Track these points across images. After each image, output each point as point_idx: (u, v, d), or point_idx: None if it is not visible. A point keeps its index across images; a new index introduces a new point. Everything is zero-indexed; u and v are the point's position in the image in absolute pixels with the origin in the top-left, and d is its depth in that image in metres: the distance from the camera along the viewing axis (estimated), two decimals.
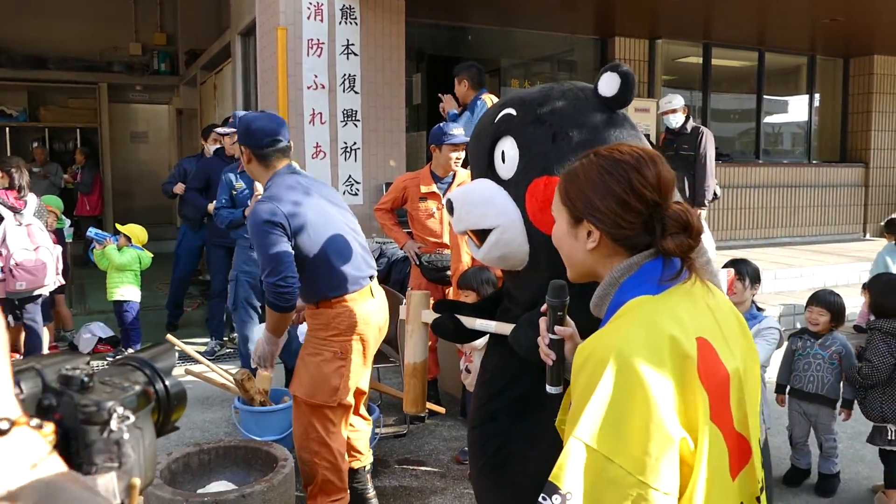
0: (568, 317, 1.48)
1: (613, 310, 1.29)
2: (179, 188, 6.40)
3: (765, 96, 10.56)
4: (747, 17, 8.77)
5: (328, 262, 2.88)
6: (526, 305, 2.06)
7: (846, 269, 7.73)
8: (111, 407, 0.68)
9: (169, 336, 4.05)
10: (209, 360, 5.12)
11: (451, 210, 2.12)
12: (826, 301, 3.66)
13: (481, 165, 2.13)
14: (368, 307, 3.00)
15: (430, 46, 8.98)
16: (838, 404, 3.64)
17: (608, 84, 2.02)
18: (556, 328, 1.45)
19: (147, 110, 13.07)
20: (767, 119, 10.94)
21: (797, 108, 11.29)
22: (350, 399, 3.05)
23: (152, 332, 5.90)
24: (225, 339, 6.05)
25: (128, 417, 0.69)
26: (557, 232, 1.40)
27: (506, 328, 2.08)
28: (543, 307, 1.48)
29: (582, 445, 1.12)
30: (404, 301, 2.54)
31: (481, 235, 2.08)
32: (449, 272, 4.34)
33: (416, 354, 2.40)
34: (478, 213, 2.06)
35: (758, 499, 1.30)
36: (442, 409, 4.39)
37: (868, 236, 10.95)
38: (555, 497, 1.12)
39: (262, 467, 2.85)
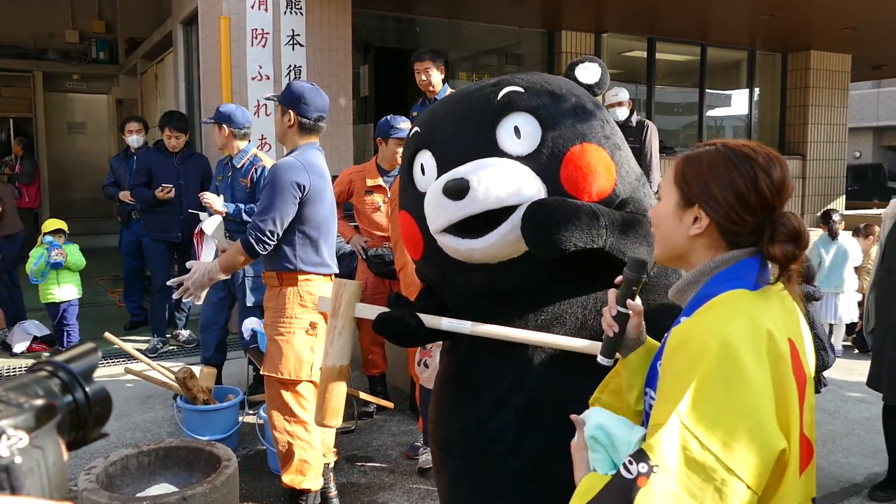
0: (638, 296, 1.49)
1: (700, 300, 1.29)
2: (125, 196, 6.15)
3: (707, 90, 10.76)
4: (690, 12, 8.91)
5: (313, 239, 3.10)
6: (515, 295, 1.99)
7: None
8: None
9: (107, 334, 3.94)
10: (151, 357, 5.01)
11: (461, 192, 1.88)
12: None
13: (476, 147, 1.99)
14: (330, 289, 3.06)
15: (377, 38, 8.90)
16: None
17: (588, 72, 2.18)
18: (628, 302, 1.45)
19: (85, 100, 12.66)
20: (710, 112, 11.15)
21: (738, 102, 11.54)
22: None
23: (93, 329, 5.73)
24: (168, 335, 5.92)
25: (20, 439, 0.62)
26: (660, 211, 1.39)
27: (488, 329, 1.97)
28: (618, 279, 1.47)
29: (681, 425, 1.13)
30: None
31: (475, 225, 1.93)
32: (395, 266, 4.31)
33: (343, 355, 2.16)
34: (506, 189, 1.90)
35: (813, 499, 1.35)
36: (390, 405, 4.37)
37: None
38: (642, 465, 1.13)
39: (205, 468, 2.79)
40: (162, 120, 5.75)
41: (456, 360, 2.18)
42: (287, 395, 3.10)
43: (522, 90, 2.02)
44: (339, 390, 2.16)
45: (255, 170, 4.54)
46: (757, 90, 11.36)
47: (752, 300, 1.24)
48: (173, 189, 5.53)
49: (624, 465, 1.16)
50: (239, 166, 4.59)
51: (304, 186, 3.00)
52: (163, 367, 4.07)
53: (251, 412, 4.16)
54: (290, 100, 3.14)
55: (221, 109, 4.56)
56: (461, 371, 2.15)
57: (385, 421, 4.40)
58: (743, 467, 1.11)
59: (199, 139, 7.41)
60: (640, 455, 1.14)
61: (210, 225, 4.15)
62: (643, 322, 1.48)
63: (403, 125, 4.29)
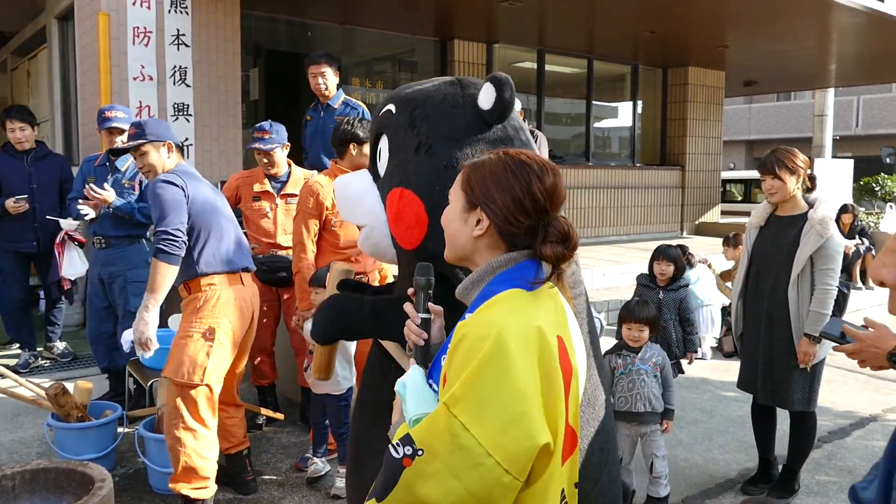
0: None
1: (482, 297, 1.37)
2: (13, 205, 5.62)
3: (594, 102, 11.16)
4: (577, 26, 9.23)
5: (207, 239, 3.13)
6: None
7: None
8: None
9: None
10: (22, 373, 4.71)
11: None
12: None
13: (372, 155, 2.14)
14: (237, 291, 3.21)
15: (268, 41, 8.72)
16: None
17: (486, 96, 1.87)
18: (429, 305, 1.49)
19: None
20: (596, 123, 11.57)
21: (623, 114, 12.03)
22: (219, 384, 3.19)
23: None
24: (39, 349, 5.55)
25: None
26: (449, 213, 1.48)
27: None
28: (410, 290, 1.52)
29: (446, 410, 1.21)
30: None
31: None
32: (283, 273, 4.21)
33: None
34: (348, 207, 2.10)
35: (576, 485, 1.43)
36: (280, 416, 4.27)
37: (684, 234, 11.85)
38: (407, 448, 1.22)
39: (77, 490, 2.62)
40: (1, 116, 5.18)
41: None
42: (179, 400, 3.10)
43: (393, 110, 2.01)
44: (323, 351, 2.33)
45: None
46: (640, 103, 11.87)
47: (526, 299, 1.34)
48: (26, 203, 4.98)
49: (392, 446, 1.26)
50: (123, 169, 4.50)
51: (180, 186, 3.09)
52: (32, 383, 3.81)
53: (131, 428, 3.97)
54: (160, 133, 3.26)
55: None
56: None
57: (275, 433, 4.29)
58: (504, 455, 1.19)
59: (76, 143, 7.03)
60: (406, 439, 1.23)
61: (70, 225, 4.00)
62: (443, 322, 1.54)
63: (260, 134, 4.24)
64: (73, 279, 4.82)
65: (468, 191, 1.43)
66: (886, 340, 1.85)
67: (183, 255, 3.04)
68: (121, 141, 4.45)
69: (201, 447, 3.12)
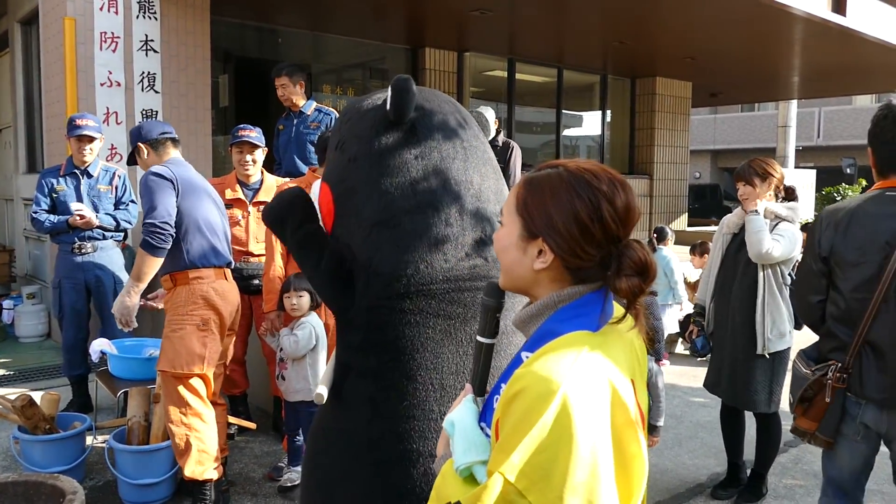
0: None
1: (543, 335, 1.20)
2: None
3: (563, 111, 11.26)
4: (547, 36, 9.31)
5: (196, 232, 3.21)
6: None
7: None
8: None
9: None
10: None
11: None
12: None
13: None
14: (222, 285, 3.31)
15: (238, 47, 8.67)
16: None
17: (388, 96, 2.03)
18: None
19: None
20: (566, 132, 11.68)
21: (592, 123, 12.16)
22: (212, 372, 3.30)
23: None
24: None
25: None
26: (504, 240, 1.27)
27: None
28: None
29: (502, 479, 1.07)
30: None
31: None
32: (256, 281, 4.18)
33: None
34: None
35: None
36: (252, 425, 4.22)
37: None
38: None
39: (47, 503, 2.57)
40: None
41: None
42: (182, 389, 3.20)
43: (339, 118, 2.25)
44: None
45: (118, 176, 4.69)
46: (609, 112, 12.01)
47: (593, 344, 1.16)
48: None
49: None
50: (95, 174, 4.62)
51: (169, 179, 3.15)
52: None
53: (100, 441, 3.90)
54: (133, 139, 3.34)
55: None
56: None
57: (247, 442, 4.24)
58: None
59: (40, 150, 6.90)
60: None
61: None
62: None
63: (242, 132, 4.24)
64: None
65: (526, 217, 1.23)
66: None
67: (169, 248, 3.12)
68: (90, 149, 4.60)
69: (209, 429, 3.27)
